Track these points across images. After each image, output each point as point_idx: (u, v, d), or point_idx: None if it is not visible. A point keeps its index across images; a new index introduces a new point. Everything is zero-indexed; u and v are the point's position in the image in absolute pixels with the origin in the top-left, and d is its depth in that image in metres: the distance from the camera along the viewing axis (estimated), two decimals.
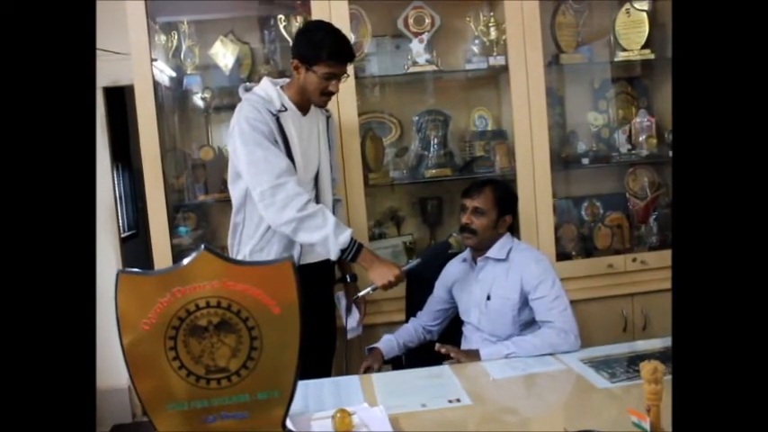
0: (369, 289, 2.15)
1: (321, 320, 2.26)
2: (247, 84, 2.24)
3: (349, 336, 2.38)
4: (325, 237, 2.00)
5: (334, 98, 2.46)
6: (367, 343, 2.32)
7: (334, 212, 2.30)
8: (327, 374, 2.15)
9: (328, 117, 2.31)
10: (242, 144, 2.04)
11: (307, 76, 2.09)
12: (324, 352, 2.31)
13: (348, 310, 2.36)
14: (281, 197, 2.00)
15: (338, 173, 2.44)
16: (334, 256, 2.03)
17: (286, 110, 2.12)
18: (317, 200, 2.22)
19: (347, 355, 2.44)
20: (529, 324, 2.11)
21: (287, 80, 2.21)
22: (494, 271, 2.17)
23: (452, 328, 2.34)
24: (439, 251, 2.38)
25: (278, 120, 2.08)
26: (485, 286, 2.17)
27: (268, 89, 2.14)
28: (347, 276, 2.40)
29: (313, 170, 2.22)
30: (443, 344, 2.02)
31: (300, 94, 2.15)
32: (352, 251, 2.03)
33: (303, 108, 2.18)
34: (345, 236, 2.02)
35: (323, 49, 2.05)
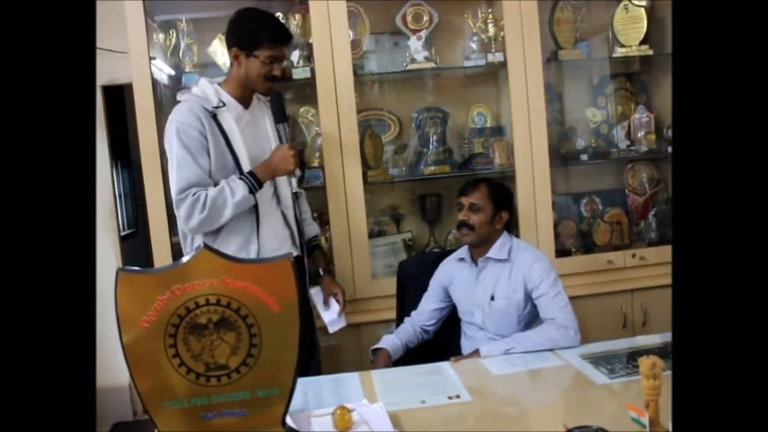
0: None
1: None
2: (185, 86, 2.22)
3: (331, 329, 2.33)
4: (234, 204, 2.02)
5: (331, 96, 2.44)
6: (363, 342, 2.29)
7: (296, 206, 2.27)
8: (305, 375, 2.11)
9: (270, 100, 2.24)
10: (168, 149, 2.07)
11: (248, 62, 2.09)
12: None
13: (325, 304, 2.34)
14: (183, 209, 2.03)
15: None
16: (251, 202, 2.06)
17: (224, 105, 2.10)
18: (275, 192, 2.21)
19: (318, 355, 2.38)
20: (533, 321, 2.12)
21: (224, 77, 2.19)
22: (495, 271, 2.17)
23: (448, 327, 2.32)
24: None
25: (215, 117, 2.07)
26: (487, 287, 2.17)
27: (204, 87, 2.13)
28: (320, 270, 2.37)
29: None
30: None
31: (241, 87, 2.14)
32: (253, 182, 2.05)
33: (244, 101, 2.17)
34: (238, 184, 2.03)
35: (263, 33, 2.06)
